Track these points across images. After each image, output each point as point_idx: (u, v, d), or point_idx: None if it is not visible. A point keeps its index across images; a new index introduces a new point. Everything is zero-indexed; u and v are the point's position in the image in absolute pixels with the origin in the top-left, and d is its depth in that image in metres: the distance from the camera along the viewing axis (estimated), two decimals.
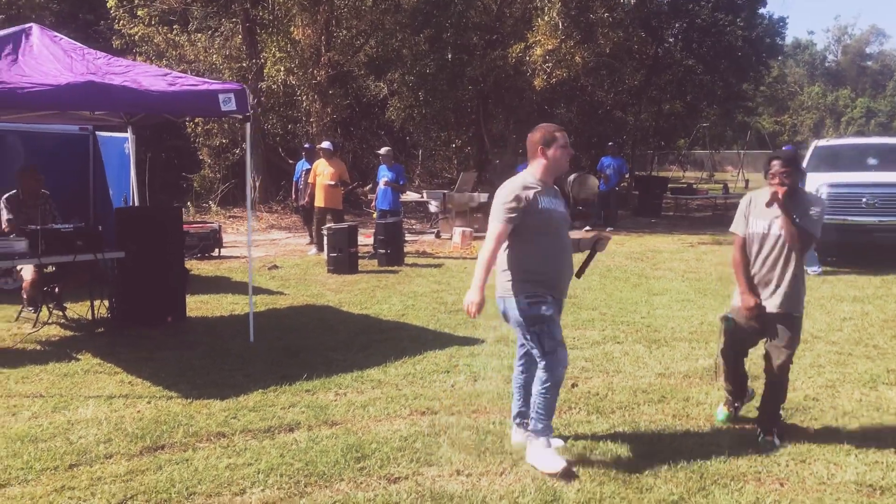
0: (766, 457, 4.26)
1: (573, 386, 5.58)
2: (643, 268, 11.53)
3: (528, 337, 4.19)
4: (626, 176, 20.60)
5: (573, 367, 6.03)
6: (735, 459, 4.25)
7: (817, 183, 11.22)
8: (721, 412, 4.91)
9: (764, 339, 4.59)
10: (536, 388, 4.18)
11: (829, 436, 4.62)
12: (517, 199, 4.07)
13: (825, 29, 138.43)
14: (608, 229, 17.10)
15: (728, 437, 4.61)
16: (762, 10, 26.35)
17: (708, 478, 4.01)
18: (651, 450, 4.39)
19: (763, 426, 4.56)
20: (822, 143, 14.09)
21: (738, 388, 4.84)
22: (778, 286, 4.45)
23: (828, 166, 12.07)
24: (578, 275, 4.53)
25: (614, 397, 5.34)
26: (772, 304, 4.47)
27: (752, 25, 25.43)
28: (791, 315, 4.46)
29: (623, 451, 4.38)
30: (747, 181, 34.59)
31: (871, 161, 12.44)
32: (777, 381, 4.53)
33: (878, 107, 69.82)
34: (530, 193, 4.10)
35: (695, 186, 25.26)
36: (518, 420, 4.50)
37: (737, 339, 4.68)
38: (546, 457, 4.13)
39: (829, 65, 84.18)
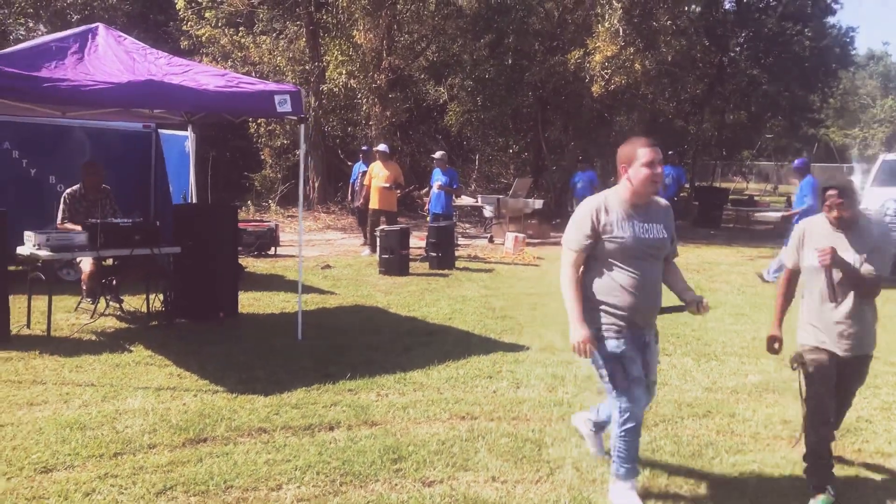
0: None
1: None
2: (699, 280, 11.32)
3: (600, 374, 3.83)
4: (686, 186, 20.30)
5: None
6: (778, 479, 4.15)
7: (885, 198, 10.91)
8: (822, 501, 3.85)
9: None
10: (615, 430, 3.77)
11: (881, 459, 4.47)
12: (591, 225, 3.69)
13: None
14: None
15: (772, 455, 4.49)
16: (831, 20, 25.68)
17: (749, 495, 3.92)
18: (691, 465, 4.31)
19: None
20: (891, 157, 13.65)
21: (825, 479, 3.90)
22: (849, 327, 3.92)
23: None
24: (660, 311, 3.93)
25: (659, 410, 5.25)
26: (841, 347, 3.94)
27: (821, 35, 24.78)
28: (864, 356, 4.03)
29: (663, 465, 4.30)
30: None
31: None
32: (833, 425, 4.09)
33: None
34: (609, 218, 3.69)
35: (756, 199, 24.69)
36: (593, 421, 4.36)
37: (822, 383, 3.94)
38: (628, 501, 3.75)
39: None
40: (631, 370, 3.72)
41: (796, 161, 12.26)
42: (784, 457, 4.47)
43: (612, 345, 3.73)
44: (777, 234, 18.66)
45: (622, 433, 3.74)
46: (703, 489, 4.01)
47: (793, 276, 4.20)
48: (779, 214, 15.56)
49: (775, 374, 6.21)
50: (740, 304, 9.36)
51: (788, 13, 23.64)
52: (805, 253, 4.04)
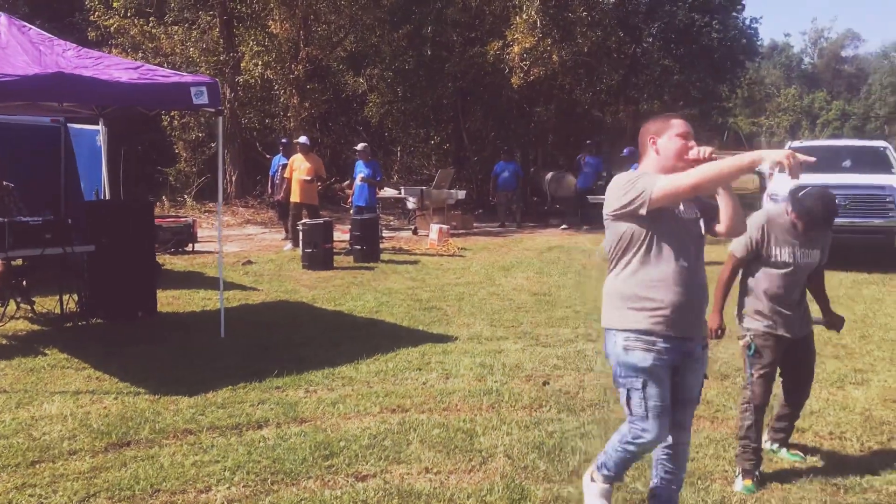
0: (733, 456, 4.28)
1: (544, 384, 5.59)
2: None
3: (617, 386, 3.26)
4: (604, 174, 20.69)
5: (544, 365, 6.05)
6: (702, 458, 4.28)
7: (791, 184, 11.32)
8: (746, 487, 3.98)
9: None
10: (615, 438, 3.35)
11: (796, 436, 4.65)
12: (629, 193, 3.10)
13: (802, 32, 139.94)
14: (584, 227, 17.16)
15: (697, 436, 4.62)
16: (738, 13, 26.54)
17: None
18: None
19: (782, 440, 4.41)
20: (797, 144, 14.24)
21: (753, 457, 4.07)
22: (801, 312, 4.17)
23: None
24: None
25: (586, 395, 5.35)
26: (798, 331, 4.14)
27: (728, 27, 25.61)
28: (810, 335, 4.27)
29: (593, 448, 4.37)
30: None
31: (846, 163, 12.57)
32: (801, 396, 4.32)
33: (853, 109, 70.68)
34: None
35: None
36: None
37: (767, 366, 4.11)
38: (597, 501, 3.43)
39: (805, 67, 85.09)
40: (651, 395, 3.14)
41: (625, 150, 12.64)
42: (707, 437, 4.61)
43: (639, 358, 3.14)
44: None
45: (620, 447, 3.30)
46: (630, 472, 4.09)
47: (741, 265, 4.20)
48: None
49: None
50: None
51: (697, 5, 24.33)
52: (773, 249, 4.06)
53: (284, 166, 13.81)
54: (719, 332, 4.22)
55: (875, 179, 11.58)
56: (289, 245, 13.12)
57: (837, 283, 10.11)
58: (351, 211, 13.28)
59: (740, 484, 3.96)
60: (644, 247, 3.14)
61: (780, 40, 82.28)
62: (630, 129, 27.78)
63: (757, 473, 3.99)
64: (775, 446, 4.40)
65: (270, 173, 15.23)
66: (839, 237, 10.78)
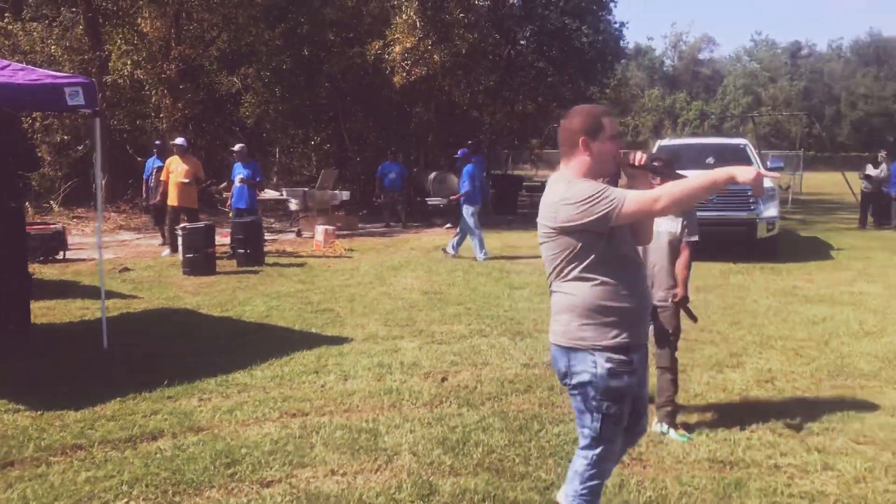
0: None
1: (443, 380, 5.66)
2: (503, 263, 11.81)
3: (588, 411, 3.05)
4: (484, 174, 21.07)
5: (441, 362, 6.13)
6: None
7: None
8: (681, 436, 4.58)
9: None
10: (574, 486, 3.16)
11: (682, 417, 4.91)
12: (608, 199, 2.89)
13: (663, 35, 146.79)
14: None
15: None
16: (608, 17, 27.57)
17: None
18: (520, 439, 4.52)
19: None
20: (665, 142, 14.98)
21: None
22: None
23: None
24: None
25: (483, 389, 5.45)
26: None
27: (598, 30, 26.56)
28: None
29: (494, 441, 4.48)
30: None
31: (710, 160, 13.31)
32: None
33: (711, 109, 74.98)
34: None
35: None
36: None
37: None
38: None
39: (666, 69, 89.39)
40: (623, 415, 3.05)
41: (459, 151, 13.20)
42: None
43: (626, 379, 2.98)
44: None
45: (584, 490, 3.13)
46: (532, 460, 4.22)
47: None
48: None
49: None
50: (543, 284, 9.83)
51: (569, 9, 25.09)
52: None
53: (159, 169, 13.32)
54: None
55: None
56: (167, 251, 12.67)
57: (707, 272, 10.70)
58: (231, 214, 12.94)
59: (675, 434, 4.59)
60: (603, 256, 2.96)
61: (643, 43, 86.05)
62: (507, 129, 28.43)
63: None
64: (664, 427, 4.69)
65: (144, 177, 14.65)
66: (707, 230, 11.55)
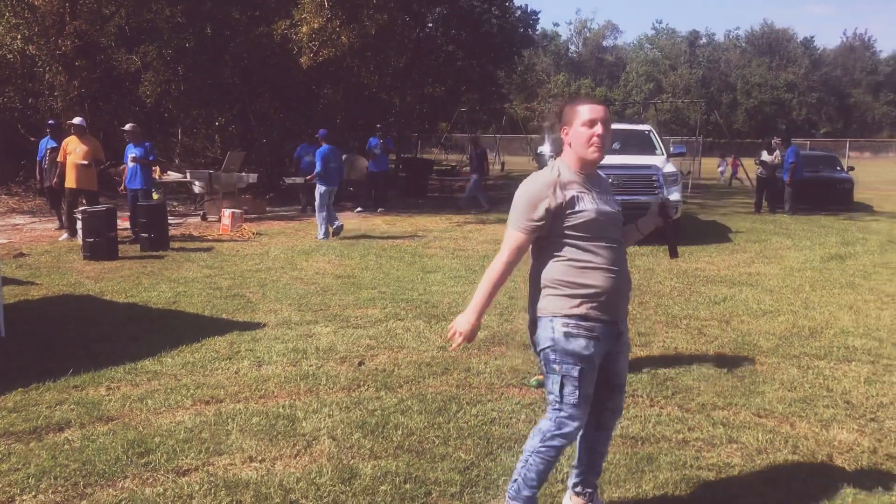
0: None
1: (360, 364, 5.65)
2: (415, 246, 11.84)
3: (548, 374, 3.18)
4: (392, 157, 21.08)
5: (358, 346, 6.11)
6: (516, 424, 4.54)
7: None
8: (536, 380, 5.27)
9: None
10: (534, 441, 3.23)
11: None
12: (544, 203, 3.06)
13: (568, 21, 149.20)
14: (378, 210, 17.37)
15: (508, 403, 4.90)
16: (515, 1, 27.89)
17: (494, 442, 4.26)
18: (439, 420, 4.57)
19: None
20: None
21: None
22: None
23: None
24: (673, 254, 3.84)
25: (401, 372, 5.47)
26: None
27: (507, 15, 26.84)
28: None
29: (414, 423, 4.51)
30: (503, 163, 36.59)
31: (615, 145, 13.67)
32: None
33: (614, 95, 76.85)
34: (565, 193, 3.08)
35: (458, 169, 26.27)
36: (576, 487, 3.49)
37: None
38: None
39: (572, 55, 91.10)
40: (586, 383, 3.13)
41: (319, 132, 13.57)
42: (518, 402, 4.90)
43: (582, 345, 3.09)
44: (475, 201, 20.03)
45: (543, 449, 3.20)
46: (452, 441, 4.27)
47: None
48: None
49: (498, 328, 6.75)
50: (457, 267, 9.96)
51: None
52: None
53: (53, 150, 12.73)
54: None
55: (642, 160, 12.71)
56: (65, 235, 12.14)
57: None
58: (127, 196, 12.42)
59: (534, 378, 5.26)
60: (565, 237, 3.10)
61: (549, 29, 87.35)
62: (416, 112, 28.41)
63: None
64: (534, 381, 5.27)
65: (38, 158, 13.96)
66: None
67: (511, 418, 4.61)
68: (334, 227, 12.76)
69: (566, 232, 3.09)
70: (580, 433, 3.29)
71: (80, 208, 11.10)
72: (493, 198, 19.31)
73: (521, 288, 8.50)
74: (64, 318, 7.01)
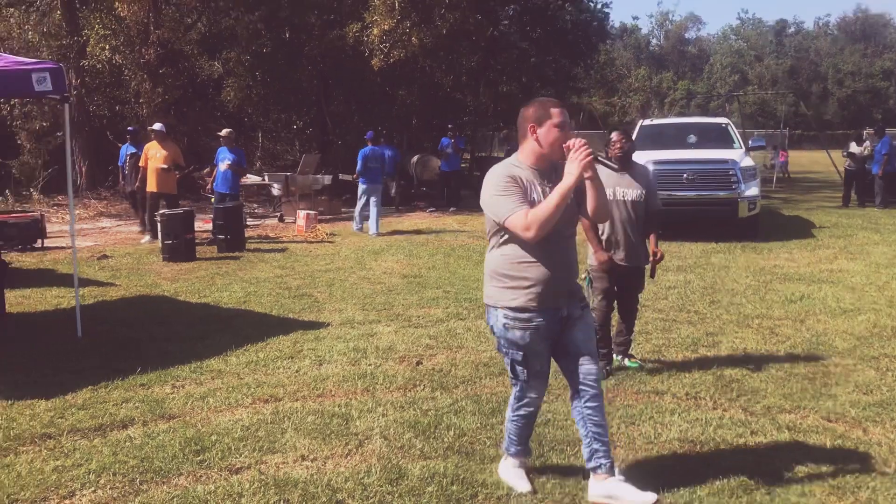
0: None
1: (418, 363, 5.66)
2: (484, 246, 11.76)
3: (502, 354, 3.62)
4: (466, 156, 21.07)
5: (417, 345, 6.12)
6: (570, 426, 4.43)
7: (644, 160, 11.89)
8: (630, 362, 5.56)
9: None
10: (509, 412, 3.74)
11: (656, 397, 4.93)
12: (512, 178, 3.38)
13: (649, 14, 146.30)
14: (451, 209, 17.39)
15: (564, 404, 4.81)
16: None
17: (546, 445, 4.19)
18: (492, 422, 4.52)
19: (623, 352, 5.59)
20: (647, 122, 14.95)
21: (607, 347, 5.41)
22: (626, 244, 5.29)
23: (653, 144, 12.80)
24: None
25: (458, 372, 5.45)
26: (621, 258, 5.30)
27: (581, 10, 26.46)
28: (638, 267, 5.42)
29: (466, 424, 4.48)
30: None
31: (691, 139, 13.32)
32: (630, 317, 5.57)
33: (697, 89, 74.91)
34: (522, 185, 3.37)
35: None
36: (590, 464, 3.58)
37: (603, 292, 5.38)
38: (513, 475, 3.74)
39: (653, 49, 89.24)
40: (532, 363, 3.50)
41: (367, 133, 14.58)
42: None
43: (518, 335, 3.45)
44: None
45: (515, 417, 3.70)
46: (503, 441, 4.21)
47: None
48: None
49: None
50: None
51: None
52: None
53: (133, 155, 13.17)
54: (603, 264, 5.31)
55: (719, 154, 12.34)
56: (147, 237, 12.59)
57: (689, 252, 10.74)
58: (212, 199, 12.83)
59: None
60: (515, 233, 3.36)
61: (629, 23, 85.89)
62: (492, 110, 28.31)
63: (607, 368, 5.32)
64: (619, 357, 5.58)
65: (119, 163, 14.51)
66: (688, 209, 11.60)
67: (566, 420, 4.52)
68: (359, 227, 13.77)
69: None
70: (573, 407, 3.59)
71: (160, 211, 11.48)
72: None
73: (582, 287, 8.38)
74: (138, 318, 7.26)
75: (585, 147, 3.29)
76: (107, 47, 18.49)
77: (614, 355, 5.60)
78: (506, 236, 3.43)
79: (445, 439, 4.27)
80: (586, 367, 3.51)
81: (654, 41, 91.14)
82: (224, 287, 8.69)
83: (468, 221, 15.33)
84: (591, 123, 43.57)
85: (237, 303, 7.88)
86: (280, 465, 3.98)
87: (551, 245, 3.38)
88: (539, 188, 3.40)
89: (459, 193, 18.91)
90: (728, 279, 8.85)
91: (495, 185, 3.39)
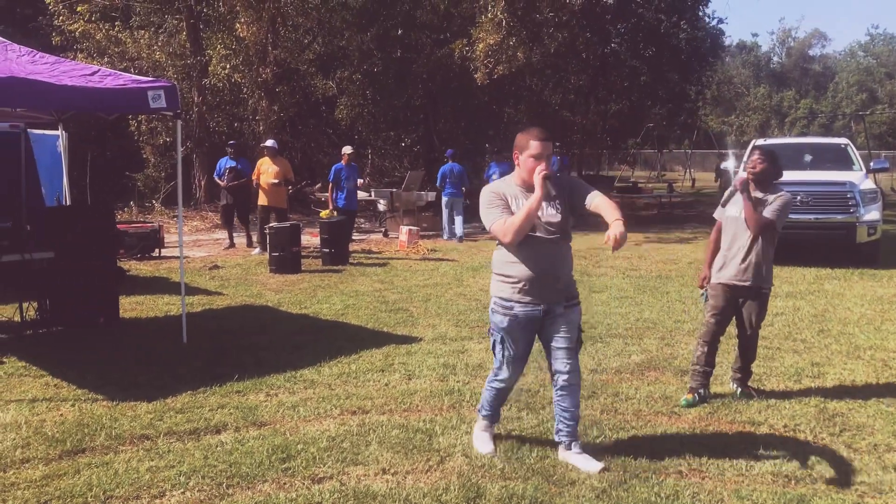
0: (689, 450, 4.32)
1: None
2: (585, 265, 11.63)
3: (490, 338, 4.27)
4: (574, 174, 20.80)
5: None
6: (659, 453, 4.30)
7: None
8: (685, 399, 5.19)
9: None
10: (486, 382, 4.38)
11: (752, 428, 4.71)
12: (497, 194, 4.06)
13: (770, 31, 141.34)
14: None
15: (653, 430, 4.66)
16: (705, 12, 26.80)
17: (630, 472, 4.06)
18: None
19: (741, 383, 5.39)
20: (761, 142, 14.37)
21: (709, 367, 5.26)
22: (747, 263, 5.11)
23: None
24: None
25: (546, 393, 5.35)
26: (744, 278, 5.13)
27: (695, 27, 25.86)
28: (760, 288, 5.19)
29: (550, 446, 4.40)
30: (694, 180, 35.16)
31: (807, 159, 12.74)
32: (750, 344, 5.32)
33: (821, 108, 71.58)
34: (508, 195, 4.06)
35: (640, 185, 25.56)
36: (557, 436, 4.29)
37: (715, 310, 5.22)
38: (480, 439, 4.40)
39: (773, 66, 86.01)
40: (509, 346, 4.14)
41: (447, 151, 15.65)
42: (665, 431, 4.65)
43: (498, 319, 4.12)
44: (660, 219, 19.42)
45: (490, 387, 4.34)
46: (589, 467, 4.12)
47: (720, 227, 5.31)
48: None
49: (657, 352, 6.47)
50: (625, 287, 9.68)
51: (664, 7, 24.52)
52: (729, 207, 5.21)
53: (231, 169, 13.45)
54: (704, 281, 5.38)
55: (836, 176, 11.75)
56: (257, 249, 13.05)
57: (800, 277, 10.25)
58: (329, 214, 12.91)
59: (683, 398, 5.16)
60: None
61: (748, 40, 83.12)
62: (600, 128, 28.02)
63: (700, 391, 5.19)
64: (734, 386, 5.41)
65: (216, 175, 14.90)
66: (802, 233, 11.06)
67: (653, 447, 4.38)
68: (449, 236, 15.24)
69: None
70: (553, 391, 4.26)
71: (270, 224, 11.88)
72: (678, 216, 18.60)
73: (689, 310, 8.12)
74: (240, 326, 7.52)
75: (543, 170, 3.94)
76: (227, 66, 19.39)
77: (730, 382, 5.48)
78: (497, 241, 4.09)
79: (527, 461, 4.21)
80: (562, 362, 4.13)
81: (774, 58, 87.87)
82: (324, 299, 8.90)
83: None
84: (706, 142, 42.39)
85: (335, 315, 8.04)
86: (361, 478, 4.02)
87: (534, 249, 3.99)
88: (522, 200, 4.01)
89: None
90: (841, 307, 8.39)
91: (484, 200, 4.08)
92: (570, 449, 4.20)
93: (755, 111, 70.71)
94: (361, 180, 12.97)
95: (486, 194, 4.09)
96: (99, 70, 6.47)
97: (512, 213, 3.99)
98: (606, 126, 28.13)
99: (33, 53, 6.42)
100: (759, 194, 5.11)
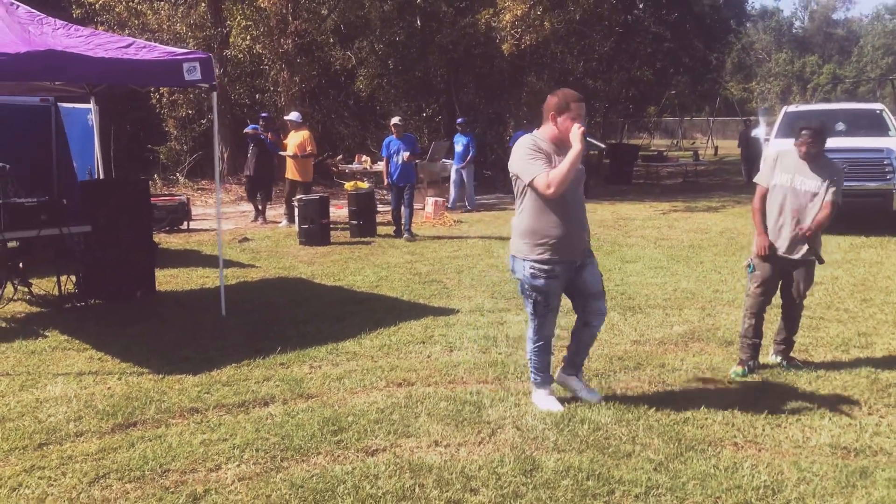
0: (743, 422, 4.28)
1: None
2: (616, 235, 11.54)
3: (524, 297, 4.46)
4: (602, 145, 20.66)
5: None
6: (712, 425, 4.27)
7: (787, 148, 11.27)
8: (735, 371, 5.14)
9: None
10: (529, 345, 4.55)
11: (804, 399, 4.66)
12: (538, 148, 4.20)
13: None
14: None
15: (703, 401, 4.62)
16: None
17: (685, 443, 4.02)
18: (628, 416, 4.39)
19: (784, 354, 5.31)
20: (792, 108, 14.15)
21: (758, 338, 5.20)
22: (793, 234, 5.01)
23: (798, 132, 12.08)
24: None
25: (591, 365, 5.32)
26: (795, 250, 5.04)
27: None
28: (808, 259, 5.07)
29: (601, 418, 4.37)
30: (717, 148, 34.77)
31: (840, 126, 12.52)
32: (796, 314, 5.27)
33: (845, 73, 70.33)
34: (545, 149, 4.23)
35: (665, 154, 25.32)
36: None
37: (762, 281, 5.13)
38: (546, 401, 4.55)
39: (795, 31, 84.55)
40: (551, 302, 4.39)
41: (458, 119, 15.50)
42: (714, 401, 4.60)
43: (541, 283, 4.31)
44: (685, 188, 19.23)
45: (535, 349, 4.53)
46: (639, 439, 4.09)
47: (766, 193, 5.17)
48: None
49: (699, 322, 6.41)
50: (658, 258, 9.60)
51: None
52: (778, 173, 5.12)
53: (259, 142, 13.30)
54: (765, 249, 5.09)
55: (873, 142, 11.55)
56: (284, 221, 13.04)
57: (836, 246, 10.13)
58: (392, 190, 11.81)
59: (733, 369, 5.14)
60: (538, 196, 4.20)
61: (769, 5, 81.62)
62: (622, 96, 27.69)
63: (750, 363, 5.15)
64: (777, 358, 5.34)
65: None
66: None
67: (706, 419, 4.35)
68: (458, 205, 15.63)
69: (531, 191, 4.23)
70: (575, 327, 4.64)
71: (297, 196, 11.85)
72: (703, 184, 18.38)
73: (727, 280, 8.04)
74: (278, 299, 7.53)
75: (581, 128, 4.17)
76: (248, 38, 19.27)
77: (771, 354, 5.40)
78: (531, 200, 4.24)
79: (579, 433, 4.18)
80: (595, 305, 4.50)
81: (797, 23, 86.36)
82: (357, 271, 8.88)
83: (597, 210, 14.99)
84: (728, 109, 41.88)
85: (370, 287, 8.03)
86: (414, 450, 4.01)
87: (568, 206, 4.23)
88: (556, 158, 4.20)
89: (588, 182, 18.59)
90: (881, 276, 8.28)
91: (524, 153, 4.20)
92: (577, 377, 4.72)
93: (776, 77, 69.69)
94: (407, 153, 11.38)
95: (524, 149, 4.21)
96: (134, 42, 6.41)
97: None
98: (629, 94, 27.80)
99: (68, 27, 6.36)
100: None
